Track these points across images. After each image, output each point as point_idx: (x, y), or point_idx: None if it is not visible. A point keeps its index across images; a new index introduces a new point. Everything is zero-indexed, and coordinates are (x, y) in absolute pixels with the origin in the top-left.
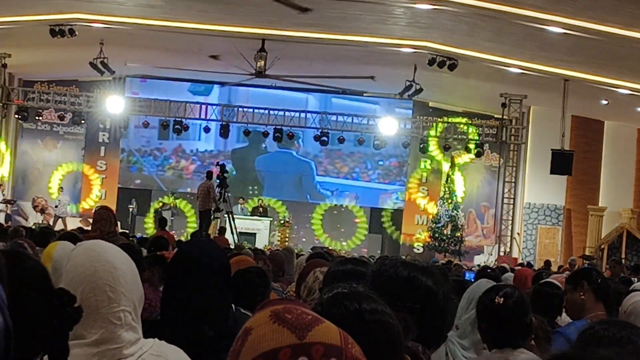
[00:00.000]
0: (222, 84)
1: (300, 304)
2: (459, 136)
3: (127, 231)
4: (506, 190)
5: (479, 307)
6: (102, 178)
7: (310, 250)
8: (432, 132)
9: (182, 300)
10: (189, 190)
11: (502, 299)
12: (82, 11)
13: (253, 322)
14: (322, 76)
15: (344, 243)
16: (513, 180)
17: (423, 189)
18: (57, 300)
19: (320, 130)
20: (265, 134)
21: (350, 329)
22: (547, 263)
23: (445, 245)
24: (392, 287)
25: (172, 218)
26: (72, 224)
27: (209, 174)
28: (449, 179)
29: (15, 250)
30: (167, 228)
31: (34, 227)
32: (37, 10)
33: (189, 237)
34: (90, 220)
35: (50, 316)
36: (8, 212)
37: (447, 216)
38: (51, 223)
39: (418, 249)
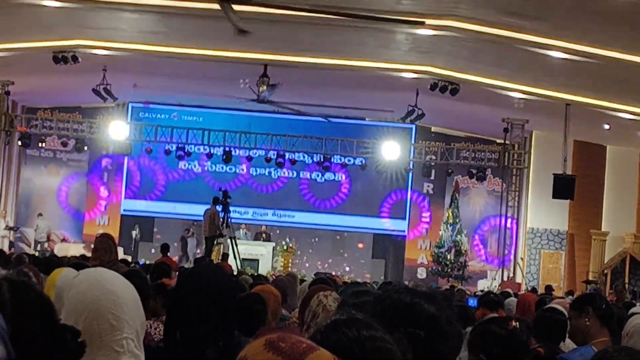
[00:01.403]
0: (224, 109)
1: (295, 332)
2: (462, 161)
3: (129, 258)
4: (509, 215)
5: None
6: (105, 204)
7: (313, 276)
8: (435, 157)
9: (185, 327)
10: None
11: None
12: (84, 38)
13: (248, 350)
14: (324, 105)
15: (347, 268)
16: (516, 205)
17: (426, 214)
18: (61, 336)
19: (322, 155)
20: (268, 160)
21: (349, 356)
22: (549, 288)
23: (449, 270)
24: (395, 314)
25: (196, 245)
26: (75, 250)
27: (215, 200)
28: (452, 204)
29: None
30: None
31: (37, 253)
32: (39, 37)
33: (193, 263)
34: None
35: (53, 350)
36: (11, 239)
37: (451, 241)
38: (31, 251)
39: (421, 274)
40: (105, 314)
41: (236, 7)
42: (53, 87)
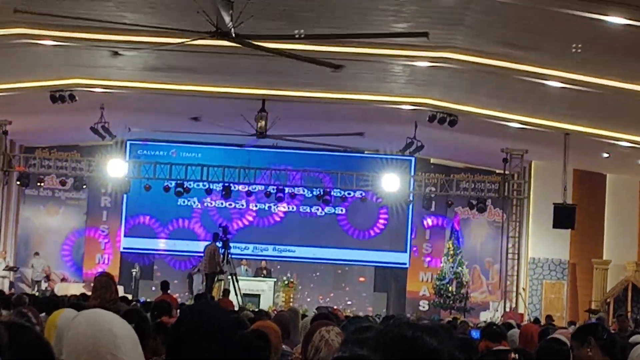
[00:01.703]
0: (223, 145)
1: None
2: (462, 192)
3: (130, 296)
4: (510, 245)
5: None
6: (105, 242)
7: (315, 311)
8: (434, 189)
9: None
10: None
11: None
12: (82, 76)
13: None
14: (322, 134)
15: (349, 302)
16: (517, 235)
17: (427, 245)
18: None
19: (322, 189)
20: (268, 194)
21: None
22: (549, 318)
23: (451, 302)
24: (397, 348)
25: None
26: (76, 289)
27: (215, 236)
28: (453, 235)
29: (19, 323)
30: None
31: (37, 294)
32: (37, 77)
33: (193, 300)
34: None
35: None
36: (11, 279)
37: (452, 273)
38: (31, 291)
39: (424, 307)
40: (104, 355)
41: (234, 44)
42: (51, 126)
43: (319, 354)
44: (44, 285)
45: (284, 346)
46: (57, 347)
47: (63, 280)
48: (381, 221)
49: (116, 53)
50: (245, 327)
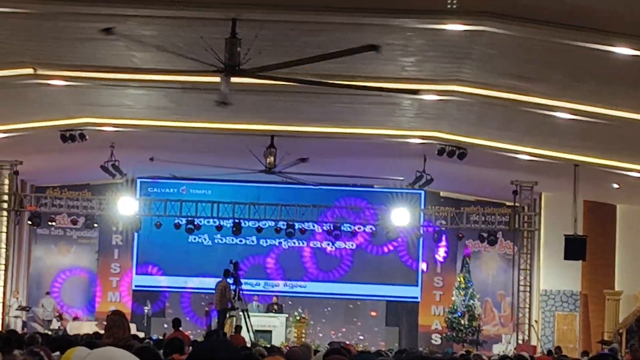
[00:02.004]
0: (232, 181)
1: None
2: (472, 225)
3: (142, 334)
4: (522, 277)
5: None
6: (117, 280)
7: (327, 346)
8: (445, 222)
9: None
10: None
11: None
12: (91, 115)
13: None
14: (331, 174)
15: (361, 337)
16: (528, 267)
17: (438, 279)
18: None
19: (332, 224)
20: (278, 230)
21: None
22: (558, 349)
23: (463, 335)
24: None
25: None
26: (89, 328)
27: (225, 273)
28: (464, 268)
29: None
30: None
31: (50, 333)
32: (47, 117)
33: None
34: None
35: None
36: (24, 319)
37: (464, 306)
38: (43, 330)
39: (436, 341)
40: None
41: (240, 80)
42: (61, 165)
43: None
44: (56, 324)
45: None
46: None
47: (75, 319)
48: (392, 255)
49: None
50: None
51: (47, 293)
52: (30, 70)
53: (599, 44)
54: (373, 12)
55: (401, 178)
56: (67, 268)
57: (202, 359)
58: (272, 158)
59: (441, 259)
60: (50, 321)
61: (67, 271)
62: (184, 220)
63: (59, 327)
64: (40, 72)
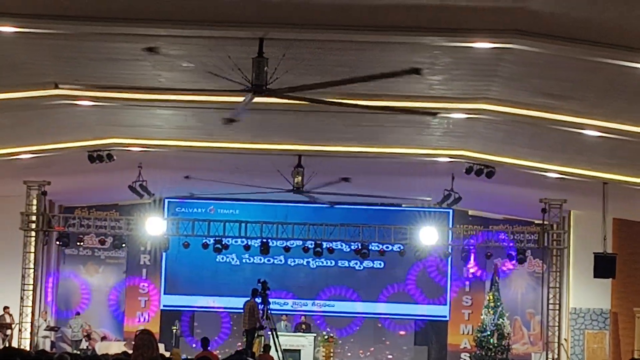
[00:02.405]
0: (260, 201)
1: None
2: (500, 243)
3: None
4: (551, 296)
5: None
6: (145, 300)
7: None
8: (473, 241)
9: None
10: None
11: None
12: (119, 136)
13: None
14: (360, 194)
15: (390, 356)
16: (557, 285)
17: (467, 298)
18: None
19: (360, 243)
20: (306, 249)
21: None
22: None
23: (492, 354)
24: None
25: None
26: (117, 348)
27: (254, 292)
28: (493, 287)
29: None
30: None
31: (79, 352)
32: (74, 137)
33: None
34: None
35: None
36: (52, 339)
37: (493, 324)
38: (72, 350)
39: (465, 359)
40: None
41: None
42: (89, 185)
43: None
44: (84, 345)
45: None
46: None
47: (104, 338)
48: (420, 274)
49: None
50: None
51: (78, 314)
52: (57, 91)
53: (628, 61)
54: (402, 31)
55: (428, 198)
56: (95, 288)
57: None
58: (299, 177)
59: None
60: (79, 341)
61: (95, 291)
62: (211, 240)
63: (87, 347)
64: (67, 92)
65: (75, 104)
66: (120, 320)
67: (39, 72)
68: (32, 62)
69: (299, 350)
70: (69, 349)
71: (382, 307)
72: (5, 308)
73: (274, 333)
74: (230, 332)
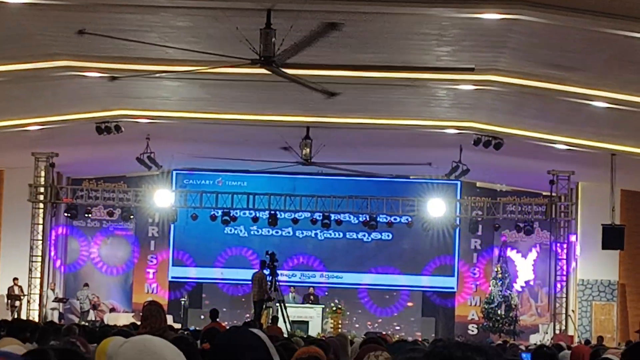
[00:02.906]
0: (268, 173)
1: None
2: (508, 215)
3: (179, 325)
4: (558, 267)
5: None
6: (153, 272)
7: (363, 336)
8: (481, 212)
9: None
10: None
11: None
12: (127, 108)
13: None
14: (368, 163)
15: (398, 327)
16: (565, 257)
17: (474, 269)
18: None
19: (368, 214)
20: (314, 221)
21: None
22: (600, 339)
23: (500, 325)
24: None
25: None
26: (125, 319)
27: (262, 264)
28: (500, 258)
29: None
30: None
31: (87, 324)
32: (82, 109)
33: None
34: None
35: None
36: (61, 310)
37: (500, 296)
38: (80, 321)
39: (472, 331)
40: None
41: (277, 70)
42: (97, 157)
43: None
44: (92, 316)
45: None
46: None
47: (112, 310)
48: (427, 246)
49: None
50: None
51: (86, 285)
52: (64, 62)
53: (636, 32)
54: (410, 2)
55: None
56: (103, 260)
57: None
58: (307, 149)
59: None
60: (86, 312)
61: (103, 263)
62: (219, 212)
63: (95, 318)
64: (75, 64)
65: (83, 76)
66: (128, 291)
67: (46, 44)
68: (39, 34)
69: (307, 321)
70: (77, 320)
71: (389, 279)
72: (15, 279)
73: (282, 304)
74: (238, 304)
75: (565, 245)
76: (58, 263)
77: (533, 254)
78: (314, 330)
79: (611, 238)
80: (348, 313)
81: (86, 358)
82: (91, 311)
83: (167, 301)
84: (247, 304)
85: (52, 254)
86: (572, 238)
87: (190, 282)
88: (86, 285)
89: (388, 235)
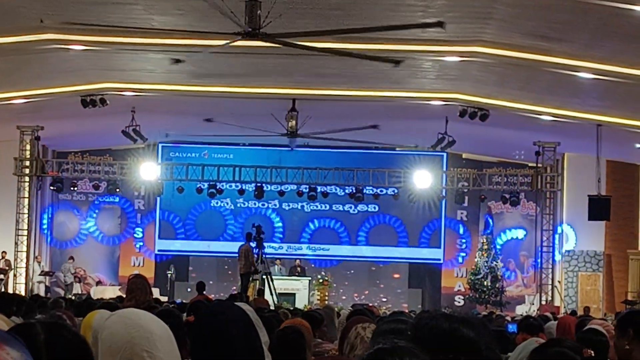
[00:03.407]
0: (254, 145)
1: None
2: (494, 186)
3: (166, 298)
4: (544, 238)
5: None
6: (140, 245)
7: (350, 308)
8: (467, 184)
9: None
10: None
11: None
12: (112, 80)
13: None
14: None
15: (384, 299)
16: (551, 228)
17: (461, 241)
18: None
19: (354, 187)
20: (300, 194)
21: None
22: (587, 309)
23: (486, 296)
24: (434, 340)
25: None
26: (112, 292)
27: (248, 236)
28: (487, 230)
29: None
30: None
31: (73, 297)
32: (67, 82)
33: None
34: None
35: None
36: (47, 284)
37: (487, 267)
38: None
39: (459, 302)
40: (139, 352)
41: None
42: (82, 130)
43: (354, 350)
44: (77, 288)
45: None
46: (94, 348)
47: (99, 283)
48: (413, 218)
49: (177, 60)
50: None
51: (71, 258)
52: (49, 35)
53: (621, 2)
54: None
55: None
56: (89, 233)
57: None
58: (293, 122)
59: (463, 221)
60: (70, 285)
61: (89, 236)
62: (206, 185)
63: (81, 291)
64: (59, 37)
65: (68, 49)
66: (115, 264)
67: (31, 16)
68: (23, 6)
69: (294, 293)
70: (63, 293)
71: (376, 251)
72: (3, 252)
73: (269, 277)
74: (224, 277)
75: (551, 217)
76: (44, 236)
77: (519, 225)
78: (301, 303)
79: (597, 209)
80: (335, 285)
81: (75, 331)
82: (76, 284)
83: (154, 274)
84: (233, 277)
85: (38, 227)
86: (558, 209)
87: (177, 254)
88: (71, 258)
89: (374, 208)
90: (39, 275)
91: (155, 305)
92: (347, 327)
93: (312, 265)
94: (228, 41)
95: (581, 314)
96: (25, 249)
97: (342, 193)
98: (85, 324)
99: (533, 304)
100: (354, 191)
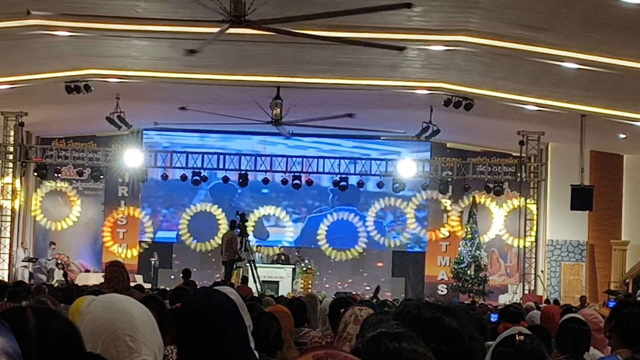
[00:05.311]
0: (239, 133)
1: (341, 349)
2: (478, 176)
3: (149, 285)
4: (528, 228)
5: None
6: (123, 232)
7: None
8: (451, 173)
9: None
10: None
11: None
12: (96, 67)
13: None
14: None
15: (368, 287)
16: (534, 217)
17: (444, 230)
18: None
19: (339, 175)
20: (285, 182)
21: None
22: (583, 299)
23: (469, 285)
24: (416, 329)
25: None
26: (96, 279)
27: (232, 224)
28: (470, 219)
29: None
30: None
31: (56, 284)
32: (51, 68)
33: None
34: None
35: None
36: (31, 270)
37: (470, 256)
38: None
39: (442, 291)
40: (121, 337)
41: (244, 31)
42: (67, 116)
43: (347, 327)
44: (58, 274)
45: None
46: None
47: (87, 271)
48: (397, 206)
49: (192, 51)
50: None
51: (52, 244)
52: (32, 21)
53: None
54: None
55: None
56: (73, 219)
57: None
58: (278, 110)
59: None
60: (51, 270)
61: (73, 223)
62: (190, 172)
63: (63, 276)
64: (44, 22)
65: (52, 34)
66: (98, 251)
67: (14, 1)
68: None
69: (278, 281)
70: (46, 280)
71: (360, 238)
72: None
73: (253, 265)
74: (208, 264)
75: (534, 206)
76: (28, 222)
77: (502, 214)
78: (284, 290)
79: (580, 199)
80: (318, 273)
81: (65, 317)
82: (57, 270)
83: (137, 261)
84: (217, 264)
85: (22, 213)
86: (542, 198)
87: (161, 242)
88: (52, 244)
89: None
90: (23, 261)
91: (134, 293)
92: (344, 310)
93: (296, 253)
94: (219, 30)
95: (577, 305)
96: (8, 235)
97: (327, 182)
98: (73, 310)
99: (516, 293)
100: (339, 180)
